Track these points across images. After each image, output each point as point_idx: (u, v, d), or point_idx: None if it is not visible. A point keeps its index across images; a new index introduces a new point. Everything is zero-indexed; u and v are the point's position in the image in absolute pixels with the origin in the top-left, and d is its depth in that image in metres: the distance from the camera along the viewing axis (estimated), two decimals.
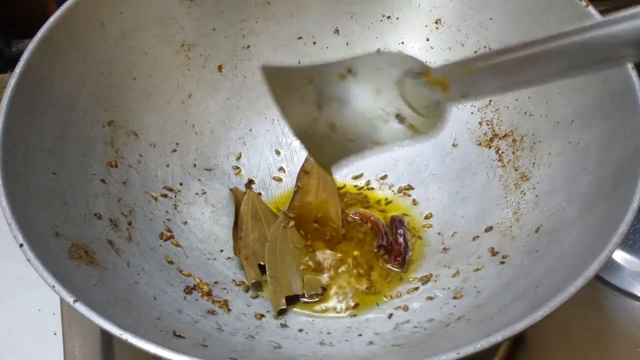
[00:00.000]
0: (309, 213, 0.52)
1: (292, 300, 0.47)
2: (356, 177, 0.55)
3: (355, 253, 0.50)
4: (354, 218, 0.52)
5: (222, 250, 0.50)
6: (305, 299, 0.47)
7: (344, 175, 0.55)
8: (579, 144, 0.44)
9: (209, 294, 0.45)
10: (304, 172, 0.53)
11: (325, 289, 0.48)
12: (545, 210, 0.44)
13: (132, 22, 0.50)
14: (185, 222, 0.50)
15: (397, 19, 0.55)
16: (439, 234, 0.50)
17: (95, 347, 0.48)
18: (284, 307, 0.46)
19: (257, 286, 0.48)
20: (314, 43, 0.56)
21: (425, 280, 0.47)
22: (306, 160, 0.54)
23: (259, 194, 0.54)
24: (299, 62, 0.56)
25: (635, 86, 0.41)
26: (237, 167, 0.55)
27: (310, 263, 0.49)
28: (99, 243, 0.42)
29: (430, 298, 0.45)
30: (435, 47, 0.54)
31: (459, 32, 0.53)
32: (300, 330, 0.44)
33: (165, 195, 0.50)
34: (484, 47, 0.51)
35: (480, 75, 0.34)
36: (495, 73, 0.33)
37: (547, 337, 0.48)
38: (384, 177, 0.55)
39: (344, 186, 0.55)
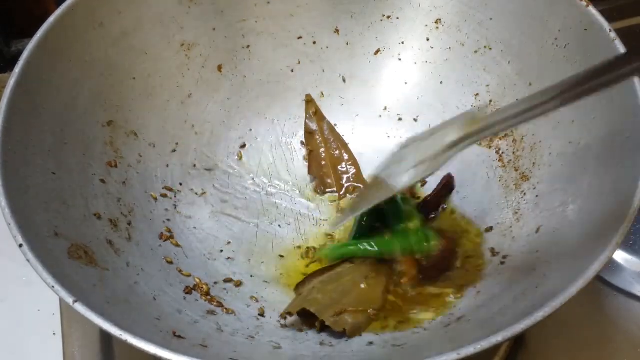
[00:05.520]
0: (327, 168, 0.55)
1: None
2: None
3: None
4: None
5: (221, 251, 0.50)
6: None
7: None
8: (580, 144, 0.44)
9: (208, 294, 0.45)
10: (308, 133, 0.56)
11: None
12: (545, 210, 0.44)
13: (132, 22, 0.50)
14: (185, 222, 0.50)
15: (397, 19, 0.55)
16: None
17: (95, 348, 0.48)
18: (293, 314, 0.44)
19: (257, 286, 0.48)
20: (314, 43, 0.56)
21: None
22: (306, 123, 0.56)
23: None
24: (299, 62, 0.56)
25: (635, 86, 0.41)
26: (237, 168, 0.55)
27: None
28: (98, 243, 0.42)
29: None
30: (435, 47, 0.54)
31: (459, 32, 0.53)
32: (300, 331, 0.44)
33: (165, 195, 0.50)
34: (484, 47, 0.51)
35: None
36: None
37: (547, 338, 0.48)
38: None
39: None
